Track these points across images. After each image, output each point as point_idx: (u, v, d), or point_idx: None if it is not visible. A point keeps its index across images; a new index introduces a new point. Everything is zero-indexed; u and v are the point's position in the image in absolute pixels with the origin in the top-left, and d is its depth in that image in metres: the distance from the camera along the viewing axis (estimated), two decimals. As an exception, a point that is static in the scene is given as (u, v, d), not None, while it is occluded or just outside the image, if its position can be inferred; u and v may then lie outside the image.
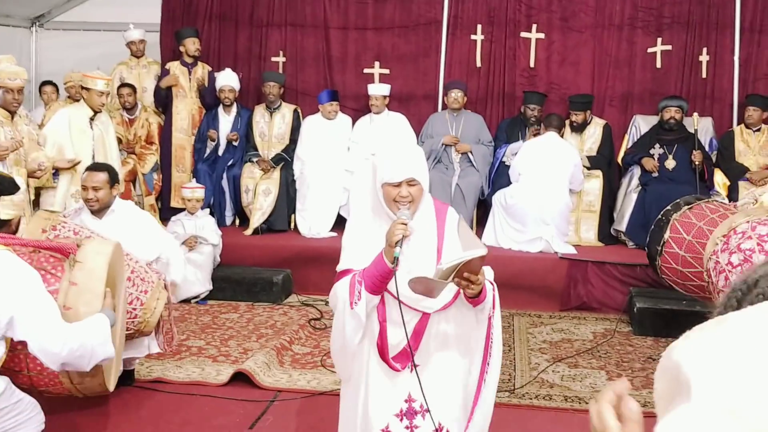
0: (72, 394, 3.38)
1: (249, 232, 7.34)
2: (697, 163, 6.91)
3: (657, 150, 7.19)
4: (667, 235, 4.87)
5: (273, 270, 6.77)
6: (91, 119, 6.16)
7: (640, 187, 7.10)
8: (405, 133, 7.60)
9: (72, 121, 6.09)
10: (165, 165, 7.89)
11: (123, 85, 7.78)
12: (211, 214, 7.28)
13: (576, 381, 4.88)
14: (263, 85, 7.78)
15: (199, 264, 6.46)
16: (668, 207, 5.05)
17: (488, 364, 2.86)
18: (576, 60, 7.83)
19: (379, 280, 2.62)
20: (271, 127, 7.79)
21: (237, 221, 7.78)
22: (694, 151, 6.95)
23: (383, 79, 8.01)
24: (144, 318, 4.09)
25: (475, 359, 2.88)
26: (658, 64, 7.68)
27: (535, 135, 7.33)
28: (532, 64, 7.86)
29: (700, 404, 0.77)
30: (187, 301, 6.37)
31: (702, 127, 7.28)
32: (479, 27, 7.91)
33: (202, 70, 7.98)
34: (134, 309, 4.02)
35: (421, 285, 2.53)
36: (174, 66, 7.91)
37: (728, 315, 0.87)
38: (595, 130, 7.49)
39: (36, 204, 5.89)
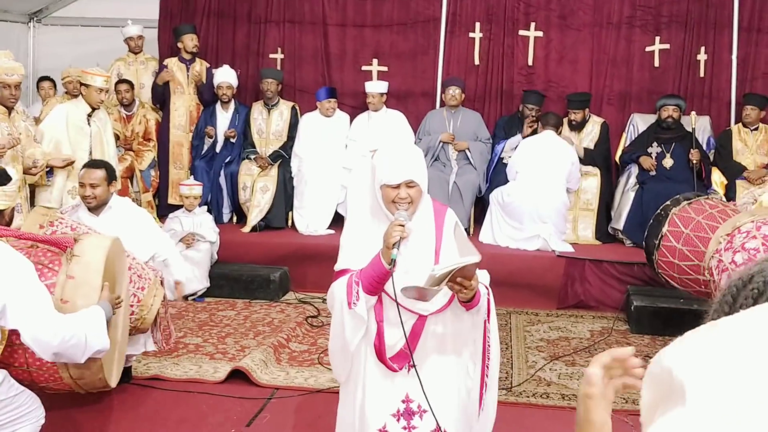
0: (73, 390, 3.38)
1: (247, 229, 7.34)
2: (694, 161, 6.91)
3: (655, 149, 7.19)
4: (665, 229, 4.88)
5: (270, 267, 6.76)
6: (89, 116, 6.15)
7: (637, 186, 7.10)
8: (403, 130, 7.59)
9: (69, 117, 6.08)
10: (162, 162, 7.88)
11: (120, 81, 7.77)
12: (209, 211, 7.28)
13: (573, 379, 4.88)
14: (261, 81, 7.77)
15: (196, 261, 6.45)
16: (668, 202, 5.07)
17: (487, 366, 2.86)
18: (574, 58, 7.84)
19: (376, 281, 2.62)
20: (268, 124, 7.78)
21: (234, 218, 7.77)
22: (691, 149, 6.95)
23: (381, 76, 8.01)
24: (141, 315, 4.09)
25: (472, 363, 2.88)
26: (656, 63, 7.68)
27: (531, 127, 7.34)
28: (530, 62, 7.86)
29: (696, 408, 0.77)
30: (184, 298, 6.36)
31: (700, 125, 7.29)
32: (478, 25, 7.90)
33: (200, 66, 7.97)
34: (131, 306, 4.01)
35: (414, 291, 2.54)
36: (172, 62, 7.89)
37: (721, 319, 0.87)
38: (593, 128, 7.50)
39: (32, 201, 5.88)
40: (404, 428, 2.77)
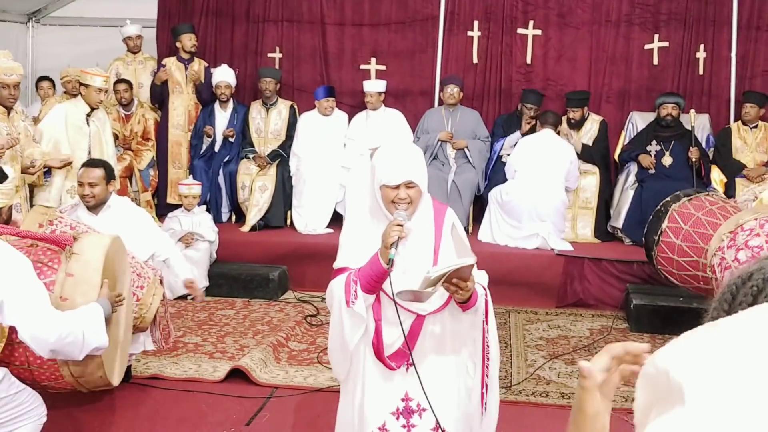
0: (75, 389, 3.37)
1: (246, 228, 7.33)
2: (694, 159, 6.91)
3: (654, 147, 7.18)
4: (665, 225, 4.89)
5: (269, 266, 6.76)
6: (88, 115, 6.15)
7: (636, 184, 7.10)
8: (401, 129, 7.59)
9: (68, 117, 6.08)
10: (161, 161, 7.88)
11: (119, 80, 7.77)
12: (208, 210, 7.28)
13: (572, 378, 4.88)
14: (259, 81, 7.77)
15: (195, 260, 6.45)
16: (668, 198, 5.07)
17: (487, 366, 2.85)
18: (573, 56, 7.83)
19: (374, 280, 2.63)
20: (267, 124, 7.78)
21: (233, 217, 7.77)
22: (691, 147, 6.95)
23: (380, 75, 8.00)
24: (140, 314, 4.09)
25: (472, 362, 2.88)
26: (655, 61, 7.67)
27: (529, 124, 7.34)
28: (528, 61, 7.85)
29: (696, 408, 0.77)
30: (183, 297, 6.37)
31: (699, 123, 7.28)
32: (476, 23, 7.90)
33: (198, 66, 7.97)
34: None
35: (410, 294, 2.54)
36: (170, 62, 7.89)
37: (720, 320, 0.87)
38: (592, 126, 7.49)
39: (31, 201, 5.88)
40: (403, 426, 2.77)
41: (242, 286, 6.57)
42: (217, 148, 7.82)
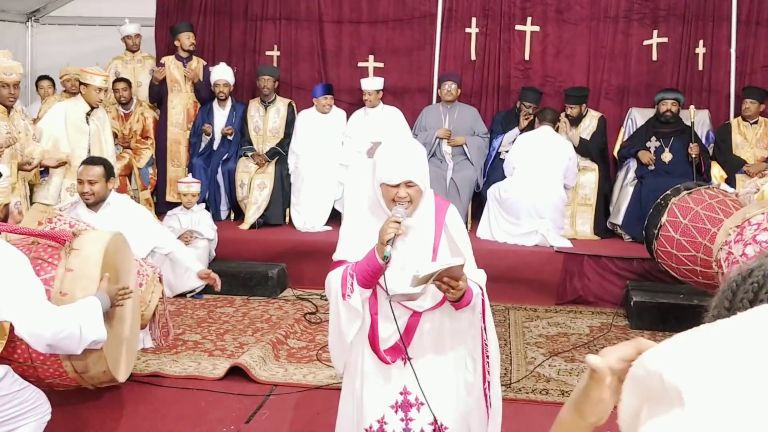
0: (81, 386, 3.37)
1: (245, 226, 7.33)
2: (693, 156, 6.90)
3: (653, 143, 7.17)
4: (664, 219, 4.88)
5: (268, 264, 6.76)
6: (88, 114, 6.15)
7: (636, 181, 7.09)
8: (399, 126, 7.58)
9: (68, 115, 6.09)
10: (160, 159, 7.89)
11: (118, 79, 7.77)
12: (207, 208, 7.27)
13: (572, 375, 4.87)
14: (258, 79, 7.76)
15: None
16: (668, 191, 5.05)
17: (488, 364, 2.84)
18: (571, 53, 7.82)
19: (370, 275, 2.63)
20: (265, 121, 7.77)
21: (232, 215, 7.77)
22: (690, 143, 6.94)
23: (378, 72, 7.99)
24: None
25: (471, 359, 2.87)
26: (654, 57, 7.66)
27: (527, 120, 7.33)
28: (527, 57, 7.84)
29: (697, 408, 0.76)
30: (182, 295, 6.37)
31: (699, 119, 7.28)
32: (474, 20, 7.89)
33: (196, 64, 7.96)
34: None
35: (402, 296, 2.55)
36: (169, 60, 7.89)
37: (717, 322, 0.86)
38: (591, 122, 7.48)
39: (31, 199, 5.88)
40: (402, 420, 2.77)
41: (241, 284, 6.57)
42: (215, 147, 7.82)
